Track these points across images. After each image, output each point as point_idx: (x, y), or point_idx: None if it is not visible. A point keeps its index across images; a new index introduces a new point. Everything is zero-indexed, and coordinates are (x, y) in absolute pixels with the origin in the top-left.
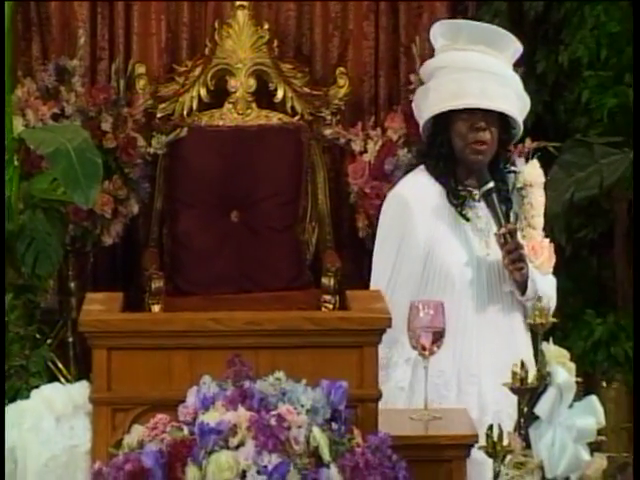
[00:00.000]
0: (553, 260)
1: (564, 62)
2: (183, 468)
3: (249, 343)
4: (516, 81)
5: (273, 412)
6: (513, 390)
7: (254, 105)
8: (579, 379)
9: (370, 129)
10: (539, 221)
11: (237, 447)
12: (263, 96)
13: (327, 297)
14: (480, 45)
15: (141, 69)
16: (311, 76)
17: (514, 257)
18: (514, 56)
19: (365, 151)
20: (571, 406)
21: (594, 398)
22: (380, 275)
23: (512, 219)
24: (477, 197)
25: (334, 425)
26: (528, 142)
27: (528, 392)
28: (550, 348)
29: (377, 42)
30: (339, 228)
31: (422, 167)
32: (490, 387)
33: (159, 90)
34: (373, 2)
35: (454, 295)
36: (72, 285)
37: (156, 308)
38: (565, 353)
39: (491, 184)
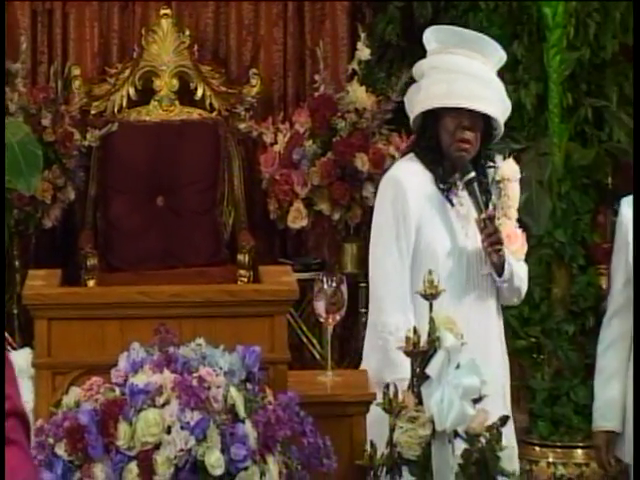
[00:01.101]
0: (525, 248)
1: None
2: (115, 425)
3: (173, 313)
4: (500, 86)
5: (194, 374)
6: (407, 353)
7: (177, 102)
8: (464, 342)
9: (279, 123)
10: (514, 212)
11: (163, 406)
12: (185, 94)
13: (242, 272)
14: (469, 50)
15: (77, 71)
16: (227, 76)
17: (493, 240)
18: (499, 62)
19: (275, 142)
20: (457, 367)
21: (477, 360)
22: (382, 252)
23: (490, 208)
24: (460, 186)
25: (248, 385)
26: None
27: (420, 355)
28: (439, 315)
29: (285, 46)
30: (252, 211)
31: (412, 155)
32: None
33: (93, 90)
34: (282, 10)
35: (457, 277)
36: (16, 263)
37: (91, 283)
38: (452, 320)
39: (473, 174)
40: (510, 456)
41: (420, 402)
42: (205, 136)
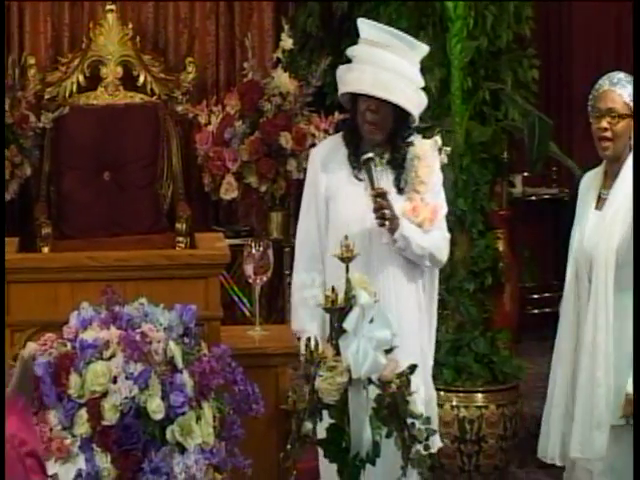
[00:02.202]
0: (436, 220)
1: None
2: (67, 376)
3: (118, 276)
4: (414, 77)
5: (138, 330)
6: (326, 310)
7: (121, 88)
8: (377, 300)
9: (213, 106)
10: (423, 187)
11: (109, 358)
12: (128, 81)
13: (180, 239)
14: (387, 45)
15: (32, 60)
16: (166, 64)
17: (378, 215)
18: (420, 54)
19: (209, 123)
20: (371, 321)
21: (389, 314)
22: (300, 219)
23: (402, 184)
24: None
25: (186, 340)
26: (337, 115)
27: (338, 311)
28: (355, 276)
29: (217, 37)
30: (189, 184)
31: (338, 134)
32: None
33: (46, 77)
34: (214, 5)
35: (362, 242)
36: None
37: (45, 249)
38: (366, 279)
39: (370, 154)
40: (429, 401)
41: (338, 353)
42: (146, 118)
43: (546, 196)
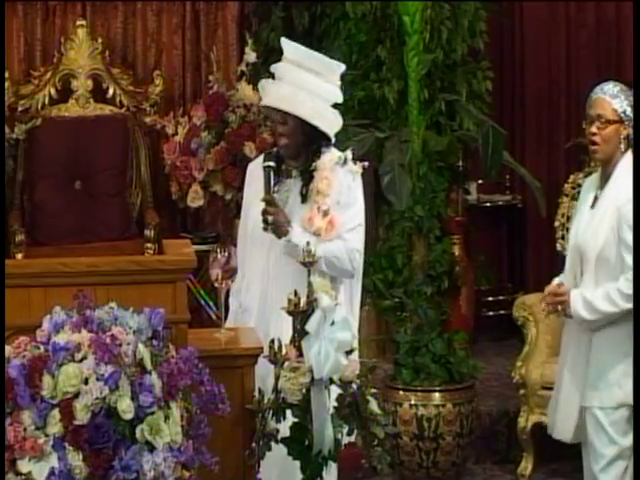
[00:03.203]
0: (333, 230)
1: None
2: (40, 377)
3: (89, 281)
4: (323, 95)
5: (108, 333)
6: (289, 313)
7: (92, 100)
8: (338, 303)
9: (179, 117)
10: (321, 198)
11: (81, 360)
12: (98, 93)
13: (149, 245)
14: (302, 63)
15: (5, 74)
16: (134, 77)
17: (262, 219)
18: (335, 74)
19: (176, 134)
20: (332, 324)
21: (349, 317)
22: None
23: (308, 193)
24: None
25: (154, 342)
26: None
27: (300, 314)
28: (316, 280)
29: (184, 51)
30: (157, 192)
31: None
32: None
33: (19, 90)
34: (181, 20)
35: (263, 247)
36: None
37: (19, 256)
38: (328, 284)
39: (270, 163)
40: None
41: (301, 354)
42: (116, 129)
43: (500, 202)
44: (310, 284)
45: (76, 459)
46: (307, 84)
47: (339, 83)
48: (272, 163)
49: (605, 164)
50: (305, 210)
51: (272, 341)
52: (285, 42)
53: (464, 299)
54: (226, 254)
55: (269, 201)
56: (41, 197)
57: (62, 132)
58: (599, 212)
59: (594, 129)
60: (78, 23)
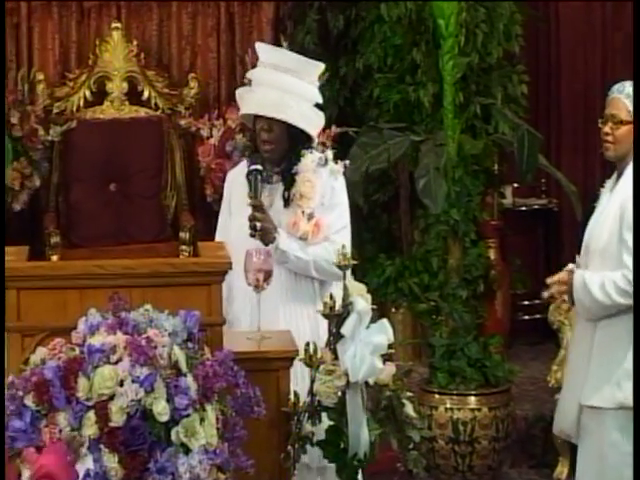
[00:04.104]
0: (320, 233)
1: (360, 67)
2: (76, 379)
3: (125, 283)
4: (308, 95)
5: (143, 335)
6: (325, 316)
7: (127, 102)
8: (374, 306)
9: (214, 120)
10: (305, 201)
11: (116, 362)
12: (133, 96)
13: (184, 247)
14: (281, 65)
15: (40, 76)
16: (169, 80)
17: (250, 226)
18: (316, 73)
19: (211, 136)
20: (368, 327)
21: (385, 321)
22: (217, 232)
23: (290, 196)
24: (273, 178)
25: (189, 344)
26: (334, 128)
27: (336, 317)
28: (352, 283)
29: (219, 54)
30: (192, 195)
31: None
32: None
33: (54, 92)
34: (215, 23)
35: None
36: None
37: (54, 258)
38: (363, 287)
39: (258, 166)
40: None
41: (336, 357)
42: (151, 131)
43: (535, 206)
44: (346, 287)
45: (112, 461)
46: (289, 86)
47: (317, 83)
48: (259, 167)
49: (618, 163)
50: (288, 215)
51: (307, 344)
52: (259, 45)
53: (500, 303)
54: (262, 257)
55: (258, 206)
56: (76, 199)
57: (97, 134)
58: (606, 209)
59: (608, 129)
60: (113, 25)
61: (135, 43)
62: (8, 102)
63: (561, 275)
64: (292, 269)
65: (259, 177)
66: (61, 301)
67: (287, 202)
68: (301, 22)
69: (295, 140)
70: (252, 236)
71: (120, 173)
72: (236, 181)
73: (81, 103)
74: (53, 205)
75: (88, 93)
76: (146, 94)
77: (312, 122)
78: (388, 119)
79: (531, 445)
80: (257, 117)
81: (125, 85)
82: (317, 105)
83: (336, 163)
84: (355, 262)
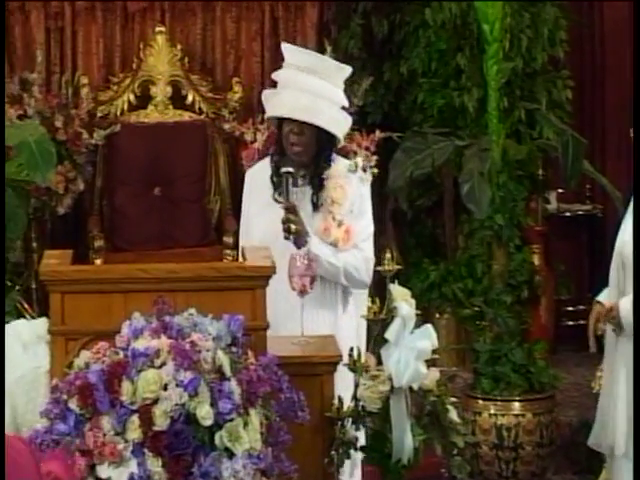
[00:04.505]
0: (350, 240)
1: (404, 72)
2: (120, 383)
3: (169, 287)
4: (337, 99)
5: (187, 339)
6: (369, 320)
7: (170, 106)
8: (418, 312)
9: (258, 124)
10: (336, 207)
11: (160, 366)
12: (177, 100)
13: (227, 251)
14: (309, 68)
15: (85, 80)
16: (213, 84)
17: (284, 228)
18: (343, 76)
19: (255, 140)
20: (412, 332)
21: (429, 326)
22: (240, 234)
23: (320, 201)
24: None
25: (233, 349)
26: (378, 133)
27: (380, 322)
28: (396, 288)
29: (263, 58)
30: (236, 199)
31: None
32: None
33: (98, 96)
34: (259, 27)
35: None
36: (34, 244)
37: (98, 261)
38: (407, 292)
39: (289, 169)
40: None
41: (380, 362)
42: (195, 135)
43: (580, 212)
44: (390, 292)
45: (155, 465)
46: (320, 90)
47: (343, 86)
48: (291, 169)
49: None
50: (316, 219)
51: (352, 349)
52: (285, 46)
53: (544, 308)
54: (305, 261)
55: (292, 209)
56: (120, 203)
57: (141, 138)
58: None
59: None
60: (157, 29)
61: (179, 47)
62: (53, 106)
63: (596, 311)
64: (321, 274)
65: (290, 180)
66: (105, 305)
67: (316, 206)
68: (345, 26)
69: (323, 144)
70: (286, 238)
71: (164, 177)
72: (256, 182)
73: (125, 107)
74: (97, 209)
75: (132, 97)
76: (190, 98)
77: (341, 126)
78: (432, 124)
79: (575, 451)
80: (286, 120)
81: (169, 89)
82: (342, 108)
83: (365, 171)
84: (399, 267)
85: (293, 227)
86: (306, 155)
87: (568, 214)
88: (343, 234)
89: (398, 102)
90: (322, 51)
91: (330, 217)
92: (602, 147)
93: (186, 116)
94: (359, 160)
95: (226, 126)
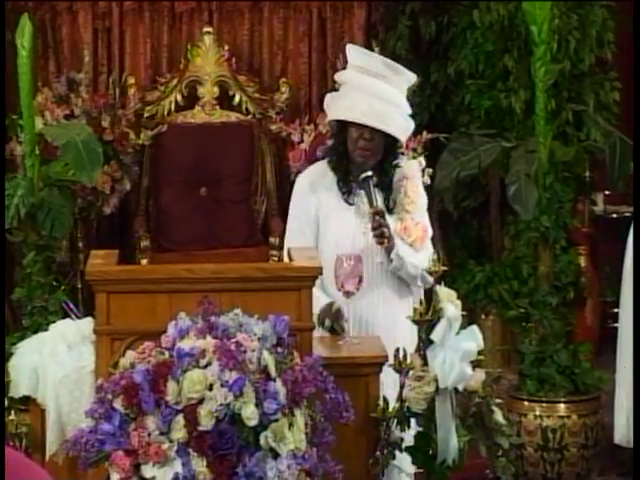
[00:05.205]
0: (426, 238)
1: (451, 73)
2: (165, 383)
3: (214, 287)
4: (403, 105)
5: (233, 340)
6: (414, 322)
7: (217, 107)
8: (464, 313)
9: (305, 124)
10: (413, 207)
11: (205, 367)
12: (224, 100)
13: (273, 252)
14: (380, 74)
15: (132, 80)
16: (260, 85)
17: (376, 233)
18: (408, 82)
19: (302, 141)
20: (458, 333)
21: (475, 327)
22: (290, 235)
23: (391, 204)
24: (359, 182)
25: (279, 349)
26: (425, 134)
27: (426, 323)
28: (442, 289)
29: (310, 59)
30: (282, 200)
31: (324, 160)
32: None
33: (145, 96)
34: (307, 28)
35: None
36: (80, 244)
37: (144, 261)
38: (453, 293)
39: (369, 173)
40: None
41: (425, 363)
42: (242, 136)
43: (627, 214)
44: (436, 293)
45: (200, 465)
46: (390, 97)
47: (406, 93)
48: (370, 173)
49: None
50: (391, 221)
51: (397, 350)
52: (350, 48)
53: (590, 310)
54: (352, 262)
55: (381, 213)
56: (166, 203)
57: (188, 138)
58: None
59: None
60: (205, 30)
61: (226, 48)
62: (99, 106)
63: None
64: (404, 277)
65: (371, 183)
66: (151, 305)
67: (389, 209)
68: (393, 28)
69: (389, 149)
70: (380, 244)
71: (210, 177)
72: (318, 188)
73: (172, 107)
74: (143, 209)
75: (179, 97)
76: (237, 99)
77: (407, 133)
78: (479, 125)
79: (620, 453)
80: (354, 124)
81: (216, 90)
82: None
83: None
84: (445, 268)
85: (387, 231)
86: (374, 160)
87: (614, 216)
88: (421, 233)
89: (445, 103)
90: (369, 50)
91: (409, 217)
92: None
93: (233, 117)
94: (422, 160)
95: (273, 127)
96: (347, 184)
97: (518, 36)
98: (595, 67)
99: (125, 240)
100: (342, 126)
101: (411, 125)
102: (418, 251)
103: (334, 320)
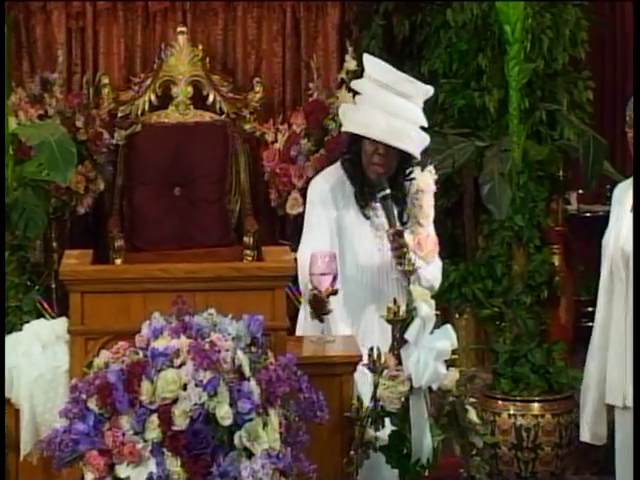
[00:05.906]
0: (436, 250)
1: (425, 72)
2: (139, 382)
3: (188, 287)
4: (419, 120)
5: (207, 339)
6: (389, 321)
7: (191, 107)
8: (438, 312)
9: (279, 124)
10: (427, 220)
11: (180, 366)
12: (198, 100)
13: (247, 252)
14: (395, 87)
15: (106, 80)
16: (234, 84)
17: (397, 254)
18: (426, 96)
19: (276, 141)
20: (432, 332)
21: (449, 326)
22: (310, 232)
23: (405, 218)
24: (376, 201)
25: (253, 349)
26: None
27: (400, 322)
28: (416, 289)
29: (284, 58)
30: (256, 199)
31: (338, 165)
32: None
33: (119, 96)
34: (281, 28)
35: (378, 273)
36: (54, 244)
37: (118, 261)
38: (427, 292)
39: (388, 191)
40: None
41: (400, 363)
42: (215, 136)
43: (600, 213)
44: (409, 293)
45: (174, 465)
46: (409, 114)
47: (422, 106)
48: (388, 191)
49: None
50: (405, 235)
51: (371, 349)
52: (368, 58)
53: (564, 309)
54: (326, 259)
55: (401, 233)
56: (140, 203)
57: (162, 138)
58: None
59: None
60: (179, 30)
61: (200, 47)
62: (73, 106)
63: None
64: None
65: (390, 202)
66: (125, 305)
67: (404, 223)
68: (366, 27)
69: (403, 164)
70: (400, 264)
71: (184, 177)
72: (337, 195)
73: (146, 107)
74: (117, 209)
75: (153, 97)
76: (211, 98)
77: (422, 146)
78: (453, 124)
79: (594, 452)
80: (368, 139)
81: (190, 89)
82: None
83: None
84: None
85: (406, 252)
86: (386, 175)
87: (588, 215)
88: (432, 246)
89: None
90: (343, 52)
91: (422, 230)
92: (623, 148)
93: (207, 116)
94: (432, 169)
95: (247, 126)
96: (364, 197)
97: (492, 35)
98: (568, 66)
99: (99, 240)
100: (357, 139)
101: (426, 139)
102: (429, 264)
103: None
